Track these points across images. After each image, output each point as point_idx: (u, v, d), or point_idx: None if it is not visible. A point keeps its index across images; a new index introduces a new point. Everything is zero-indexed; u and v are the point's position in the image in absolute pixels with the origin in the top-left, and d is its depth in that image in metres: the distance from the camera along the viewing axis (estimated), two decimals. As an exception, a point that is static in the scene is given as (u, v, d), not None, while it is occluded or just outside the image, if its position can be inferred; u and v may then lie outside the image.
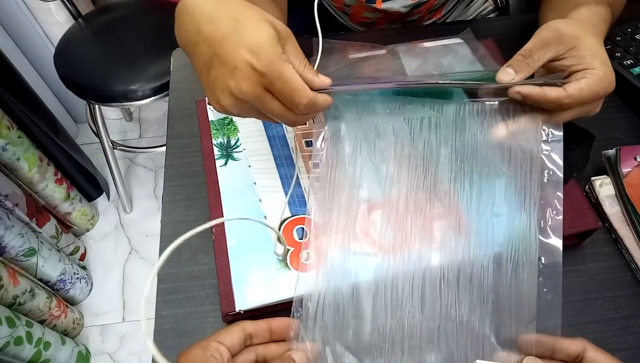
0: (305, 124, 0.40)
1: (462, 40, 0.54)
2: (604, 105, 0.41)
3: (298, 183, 0.46)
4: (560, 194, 0.39)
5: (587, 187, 0.49)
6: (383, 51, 0.50)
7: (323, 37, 0.43)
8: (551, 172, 0.40)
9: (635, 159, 0.47)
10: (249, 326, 0.34)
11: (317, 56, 0.41)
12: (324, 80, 0.36)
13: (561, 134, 0.40)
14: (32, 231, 1.08)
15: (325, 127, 0.41)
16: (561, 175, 0.39)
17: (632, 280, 0.44)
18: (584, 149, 0.47)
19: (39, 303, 1.04)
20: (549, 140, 0.40)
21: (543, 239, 0.38)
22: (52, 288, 1.17)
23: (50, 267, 1.12)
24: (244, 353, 0.34)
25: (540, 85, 0.39)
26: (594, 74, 0.38)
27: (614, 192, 0.47)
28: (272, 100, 0.33)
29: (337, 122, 0.42)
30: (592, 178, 0.48)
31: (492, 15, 0.73)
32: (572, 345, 0.34)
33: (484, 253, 0.38)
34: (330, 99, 0.36)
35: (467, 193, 0.40)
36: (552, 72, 0.40)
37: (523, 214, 0.39)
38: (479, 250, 0.38)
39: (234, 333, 0.33)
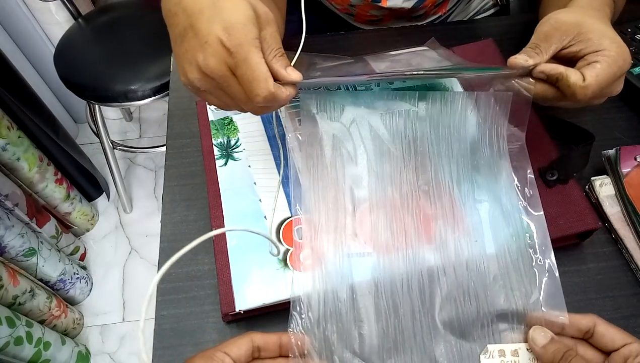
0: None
1: (428, 48, 0.55)
2: (604, 105, 0.41)
3: (298, 183, 0.46)
4: (531, 175, 0.42)
5: (587, 187, 0.49)
6: (351, 60, 0.51)
7: (322, 38, 0.42)
8: (518, 158, 0.42)
9: (635, 159, 0.47)
10: (258, 338, 0.33)
11: (297, 50, 0.39)
12: (291, 75, 0.33)
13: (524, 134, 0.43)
14: (32, 231, 1.08)
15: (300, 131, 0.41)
16: (528, 166, 0.42)
17: (632, 280, 0.44)
18: (584, 149, 0.47)
19: (39, 303, 1.04)
20: (511, 129, 0.43)
21: (526, 217, 0.40)
22: (52, 288, 1.17)
23: (50, 267, 1.12)
24: None
25: (502, 74, 0.40)
26: (606, 55, 0.37)
27: (614, 192, 0.47)
28: (236, 83, 0.33)
29: (312, 122, 0.42)
30: (592, 178, 0.48)
31: (492, 9, 0.73)
32: (582, 320, 0.34)
33: (475, 238, 0.39)
34: (292, 94, 0.34)
35: (448, 183, 0.41)
36: (565, 62, 0.40)
37: (503, 197, 0.40)
38: (469, 237, 0.39)
39: (242, 345, 0.32)
